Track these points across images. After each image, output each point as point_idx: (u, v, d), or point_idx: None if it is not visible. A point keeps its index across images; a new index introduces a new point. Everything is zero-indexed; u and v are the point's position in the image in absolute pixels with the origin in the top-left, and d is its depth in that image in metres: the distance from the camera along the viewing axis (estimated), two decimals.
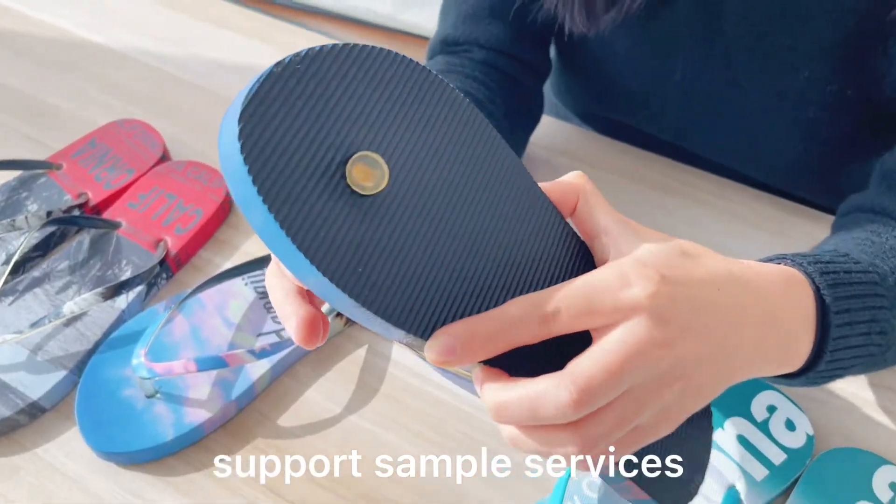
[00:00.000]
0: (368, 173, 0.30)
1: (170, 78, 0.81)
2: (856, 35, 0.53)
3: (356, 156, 0.30)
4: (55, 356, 0.58)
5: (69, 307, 0.57)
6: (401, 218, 0.31)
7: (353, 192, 0.30)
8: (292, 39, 0.86)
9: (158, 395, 0.55)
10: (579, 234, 0.37)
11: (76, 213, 0.66)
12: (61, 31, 0.86)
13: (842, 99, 0.56)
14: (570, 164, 0.70)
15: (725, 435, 0.52)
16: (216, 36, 0.85)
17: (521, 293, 0.34)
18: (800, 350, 0.40)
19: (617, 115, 0.71)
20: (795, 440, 0.51)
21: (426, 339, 0.32)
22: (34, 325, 0.57)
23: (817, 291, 0.40)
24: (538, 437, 0.33)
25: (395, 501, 0.52)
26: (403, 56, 0.32)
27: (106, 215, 0.66)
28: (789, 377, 0.43)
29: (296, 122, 0.29)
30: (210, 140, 0.74)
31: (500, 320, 0.31)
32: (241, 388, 0.55)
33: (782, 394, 0.53)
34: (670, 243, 0.35)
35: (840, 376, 0.43)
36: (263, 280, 0.61)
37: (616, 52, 0.64)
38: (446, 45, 0.65)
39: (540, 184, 0.36)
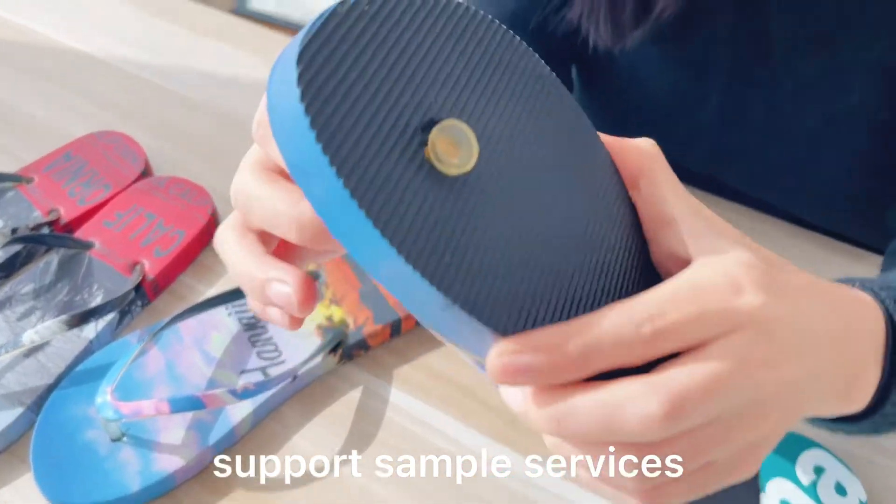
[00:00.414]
0: (454, 149, 0.24)
1: (154, 88, 0.75)
2: None
3: (441, 124, 0.24)
4: (11, 391, 0.51)
5: (29, 336, 0.51)
6: (486, 203, 0.25)
7: (433, 167, 0.24)
8: (280, 49, 0.80)
9: (125, 439, 0.49)
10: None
11: (45, 230, 0.60)
12: (41, 37, 0.81)
13: (894, 127, 0.51)
14: None
15: (768, 499, 0.46)
16: (204, 46, 0.80)
17: (607, 294, 0.28)
18: (867, 383, 0.34)
19: None
20: None
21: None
22: None
23: (889, 319, 0.35)
24: (594, 454, 0.26)
25: None
26: (486, 15, 0.27)
27: (78, 234, 0.60)
28: (851, 420, 0.37)
29: (366, 70, 0.23)
30: (196, 155, 0.68)
31: (595, 334, 0.25)
32: (220, 432, 0.49)
33: (830, 453, 0.47)
34: (757, 249, 0.29)
35: None
36: (248, 311, 0.55)
37: (643, 73, 0.59)
38: None
39: (603, 139, 0.31)
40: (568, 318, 0.26)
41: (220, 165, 0.67)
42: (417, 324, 0.55)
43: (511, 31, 0.28)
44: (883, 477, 0.48)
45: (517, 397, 0.27)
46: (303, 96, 0.22)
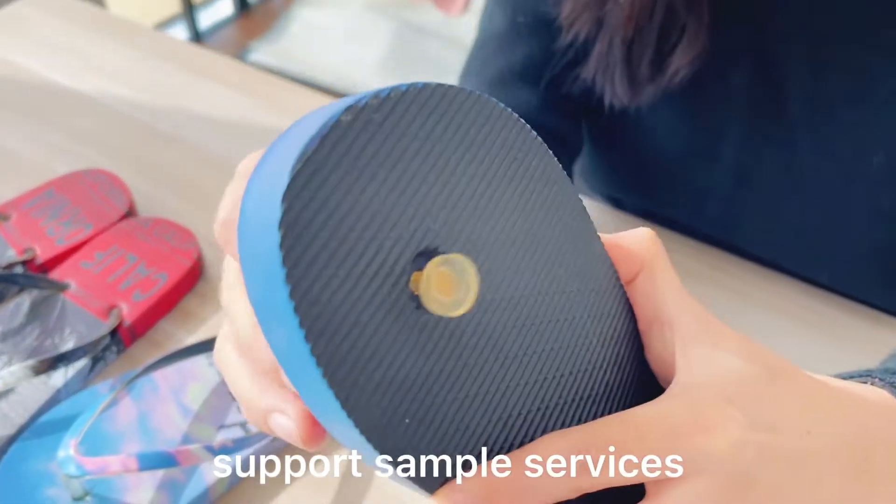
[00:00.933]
0: (451, 286, 0.21)
1: (145, 128, 0.72)
2: None
3: (443, 257, 0.21)
4: None
5: None
6: (470, 353, 0.22)
7: (418, 305, 0.21)
8: (275, 92, 0.78)
9: (88, 498, 0.44)
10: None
11: (18, 270, 0.56)
12: (28, 73, 0.78)
13: None
14: None
15: None
16: (198, 87, 0.77)
17: (565, 414, 0.25)
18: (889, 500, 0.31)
19: (651, 203, 0.63)
20: None
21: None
22: None
23: None
24: None
25: None
26: (499, 106, 0.24)
27: (53, 275, 0.56)
28: None
29: (360, 200, 0.20)
30: (183, 197, 0.65)
31: (526, 473, 0.23)
32: (193, 493, 0.45)
33: None
34: (755, 361, 0.26)
35: None
36: None
37: (657, 130, 0.56)
38: None
39: (602, 237, 0.28)
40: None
41: (209, 208, 0.63)
42: None
43: (529, 128, 0.25)
44: None
45: None
46: (282, 243, 0.19)
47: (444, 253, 0.21)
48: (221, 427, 0.48)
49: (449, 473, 0.22)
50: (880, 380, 0.32)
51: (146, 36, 0.84)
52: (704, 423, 0.23)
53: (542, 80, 0.54)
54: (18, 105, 0.75)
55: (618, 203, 0.67)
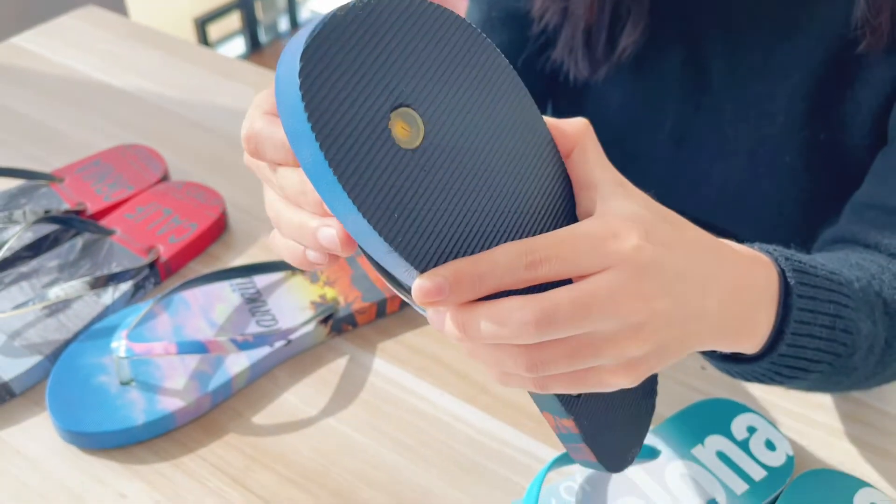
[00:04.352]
0: (407, 129, 0.32)
1: (174, 116, 0.84)
2: (826, 81, 0.57)
3: (398, 111, 0.31)
4: (33, 342, 0.57)
5: (55, 292, 0.57)
6: (431, 171, 0.32)
7: (394, 143, 0.31)
8: None
9: (133, 384, 0.54)
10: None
11: None
12: (76, 72, 0.90)
13: (815, 144, 0.60)
14: None
15: (705, 451, 0.51)
16: (219, 83, 0.89)
17: (516, 237, 0.35)
18: (760, 327, 0.40)
19: None
20: (775, 459, 0.51)
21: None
22: (18, 306, 0.57)
23: (782, 274, 0.41)
24: (494, 353, 0.33)
25: (368, 501, 0.50)
26: (454, 14, 0.34)
27: (102, 224, 0.67)
28: (750, 362, 0.43)
29: (352, 66, 0.31)
30: (211, 171, 0.76)
31: (487, 263, 0.32)
32: (218, 381, 0.55)
33: (762, 417, 0.53)
34: (656, 208, 0.36)
35: (805, 372, 0.43)
36: (250, 287, 0.62)
37: (610, 104, 0.68)
38: None
39: (545, 119, 0.38)
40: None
41: (232, 179, 0.74)
42: (401, 305, 0.62)
43: (477, 29, 0.35)
44: (808, 438, 0.54)
45: (437, 318, 0.34)
46: (301, 85, 0.29)
47: (407, 106, 0.32)
48: (243, 335, 0.58)
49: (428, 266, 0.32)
50: (759, 246, 0.43)
51: (173, 42, 0.96)
52: (613, 232, 0.33)
53: (517, 65, 0.66)
54: (70, 98, 0.86)
55: None
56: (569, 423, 0.38)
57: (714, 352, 0.44)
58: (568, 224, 0.38)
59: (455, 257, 0.32)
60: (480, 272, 0.32)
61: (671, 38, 0.62)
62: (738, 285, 0.38)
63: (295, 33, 0.32)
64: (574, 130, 0.38)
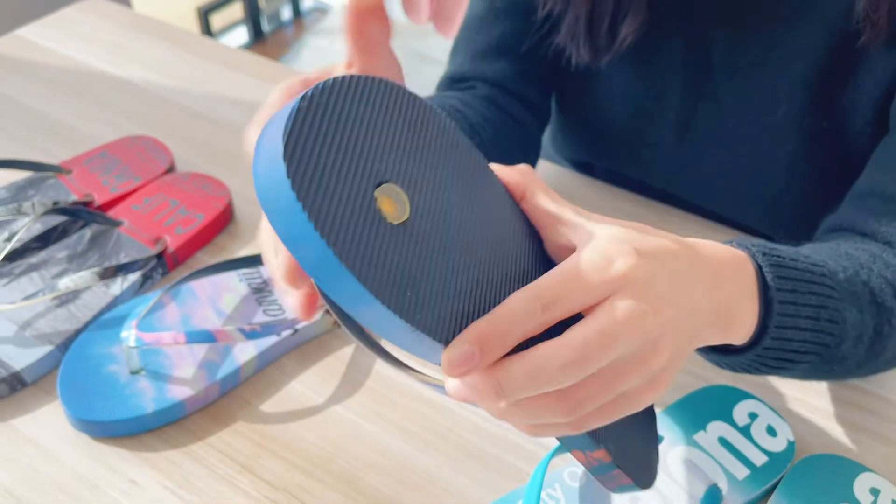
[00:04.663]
0: (393, 204, 0.32)
1: (179, 107, 0.84)
2: (828, 70, 0.57)
3: (381, 188, 0.31)
4: (43, 333, 0.58)
5: (65, 283, 0.58)
6: (423, 241, 0.32)
7: (386, 220, 0.31)
8: (287, 76, 0.90)
9: (143, 372, 0.55)
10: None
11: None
12: (82, 64, 0.91)
13: (817, 131, 0.60)
14: None
15: (707, 437, 0.52)
16: (223, 74, 0.89)
17: (510, 288, 0.35)
18: (744, 321, 0.41)
19: (609, 160, 0.75)
20: (776, 445, 0.51)
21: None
22: (28, 297, 0.57)
23: (759, 269, 0.42)
24: (528, 407, 0.34)
25: (374, 487, 0.51)
26: (400, 87, 0.34)
27: (109, 215, 0.68)
28: (737, 354, 0.44)
29: (331, 153, 0.30)
30: (214, 161, 0.77)
31: (506, 317, 0.32)
32: (227, 370, 0.55)
33: (764, 403, 0.54)
34: (626, 224, 0.37)
35: (793, 363, 0.44)
36: (258, 277, 0.62)
37: (613, 95, 0.68)
38: (454, 82, 0.69)
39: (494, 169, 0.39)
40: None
41: (237, 170, 0.75)
42: None
43: (419, 97, 0.35)
44: (809, 424, 0.54)
45: (462, 388, 0.34)
46: (293, 185, 0.28)
47: (388, 182, 0.32)
48: (247, 325, 0.59)
49: (443, 330, 0.31)
50: (737, 243, 0.43)
51: (177, 33, 0.97)
52: (608, 257, 0.34)
53: (514, 54, 0.66)
54: (75, 90, 0.87)
55: (584, 167, 0.79)
56: (600, 454, 0.38)
57: None
58: (542, 260, 0.39)
59: (468, 320, 0.33)
60: (503, 328, 0.32)
61: (673, 28, 0.62)
62: (717, 281, 0.39)
63: (257, 138, 0.31)
64: (520, 177, 0.39)
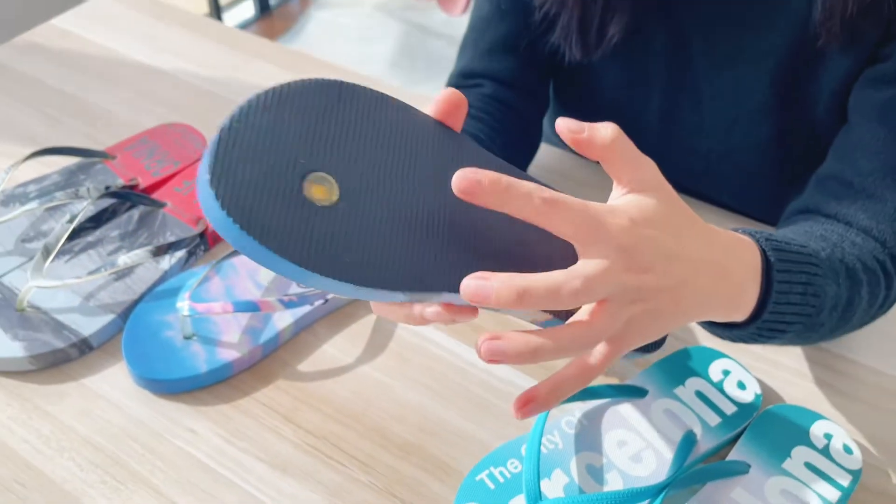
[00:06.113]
0: (322, 189, 0.37)
1: (208, 94, 0.91)
2: (793, 67, 0.65)
3: (309, 177, 0.36)
4: (105, 303, 0.66)
5: (123, 259, 0.66)
6: (360, 212, 0.37)
7: (314, 205, 0.36)
8: (306, 66, 0.97)
9: (195, 338, 0.63)
10: None
11: None
12: (116, 53, 0.98)
13: (786, 121, 0.67)
14: (562, 182, 0.81)
15: (685, 390, 0.60)
16: (247, 62, 0.96)
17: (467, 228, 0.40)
18: (747, 300, 0.48)
19: None
20: (745, 396, 0.60)
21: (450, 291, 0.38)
22: (91, 272, 0.65)
23: (763, 253, 0.49)
24: (560, 338, 0.39)
25: (400, 435, 0.59)
26: (312, 80, 0.39)
27: (154, 197, 0.75)
28: (739, 328, 0.51)
29: (253, 166, 0.35)
30: None
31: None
32: (268, 335, 0.63)
33: (736, 361, 0.62)
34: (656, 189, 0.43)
35: (783, 332, 0.51)
36: None
37: (604, 85, 0.75)
38: (463, 78, 0.76)
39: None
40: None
41: None
42: None
43: (352, 84, 0.39)
44: (775, 380, 0.63)
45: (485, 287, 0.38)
46: (222, 206, 0.33)
47: (316, 171, 0.37)
48: (285, 296, 0.67)
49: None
50: (741, 230, 0.50)
51: (205, 23, 1.03)
52: (611, 210, 0.39)
53: (517, 50, 0.73)
54: (114, 78, 0.94)
55: None
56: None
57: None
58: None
59: (431, 262, 0.38)
60: (507, 185, 0.37)
61: (655, 28, 0.69)
62: (727, 265, 0.45)
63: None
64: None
